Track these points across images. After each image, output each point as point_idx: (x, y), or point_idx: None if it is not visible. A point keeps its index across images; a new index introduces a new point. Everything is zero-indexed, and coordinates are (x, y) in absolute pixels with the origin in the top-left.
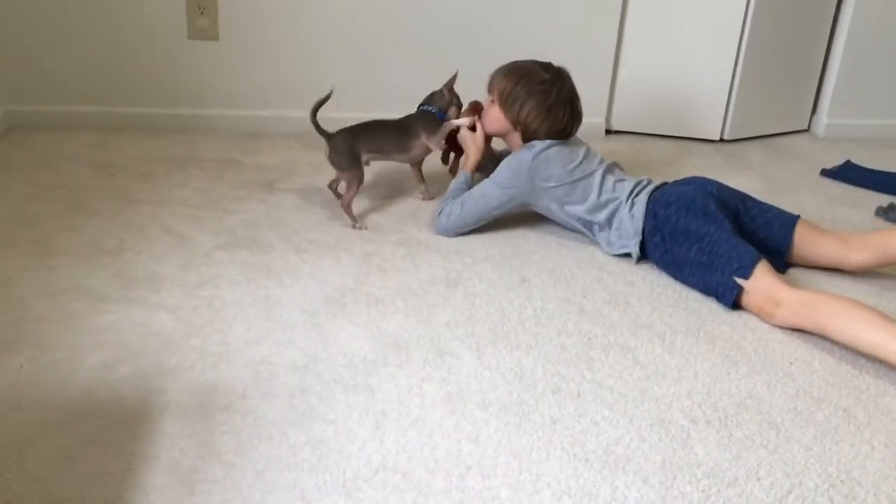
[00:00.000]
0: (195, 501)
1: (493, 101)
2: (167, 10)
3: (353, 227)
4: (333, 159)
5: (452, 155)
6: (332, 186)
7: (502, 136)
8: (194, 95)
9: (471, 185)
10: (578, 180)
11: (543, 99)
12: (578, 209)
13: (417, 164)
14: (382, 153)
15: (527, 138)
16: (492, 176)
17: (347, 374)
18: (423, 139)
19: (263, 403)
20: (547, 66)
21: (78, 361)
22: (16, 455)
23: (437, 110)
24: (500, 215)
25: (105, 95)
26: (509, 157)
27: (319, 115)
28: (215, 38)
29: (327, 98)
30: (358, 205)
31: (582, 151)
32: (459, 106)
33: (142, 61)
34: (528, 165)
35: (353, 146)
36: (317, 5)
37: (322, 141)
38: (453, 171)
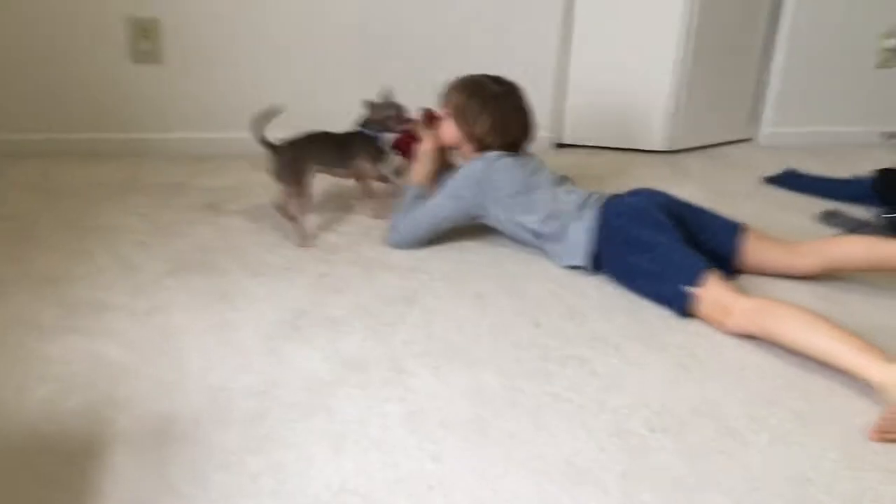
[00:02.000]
0: None
1: (447, 114)
2: (109, 35)
3: (302, 245)
4: (280, 174)
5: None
6: (281, 208)
7: (456, 148)
8: (138, 119)
9: (425, 196)
10: (528, 191)
11: (497, 112)
12: (528, 220)
13: (363, 181)
14: (325, 167)
15: (480, 150)
16: (442, 188)
17: (306, 397)
18: (365, 162)
19: (220, 431)
20: (499, 80)
21: (24, 395)
22: None
23: (374, 133)
24: (452, 226)
25: (47, 122)
26: (460, 169)
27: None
28: (159, 61)
29: (274, 113)
30: (308, 223)
31: (532, 163)
32: (400, 117)
33: (84, 86)
34: (479, 176)
35: (299, 159)
36: (260, 26)
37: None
38: (400, 175)
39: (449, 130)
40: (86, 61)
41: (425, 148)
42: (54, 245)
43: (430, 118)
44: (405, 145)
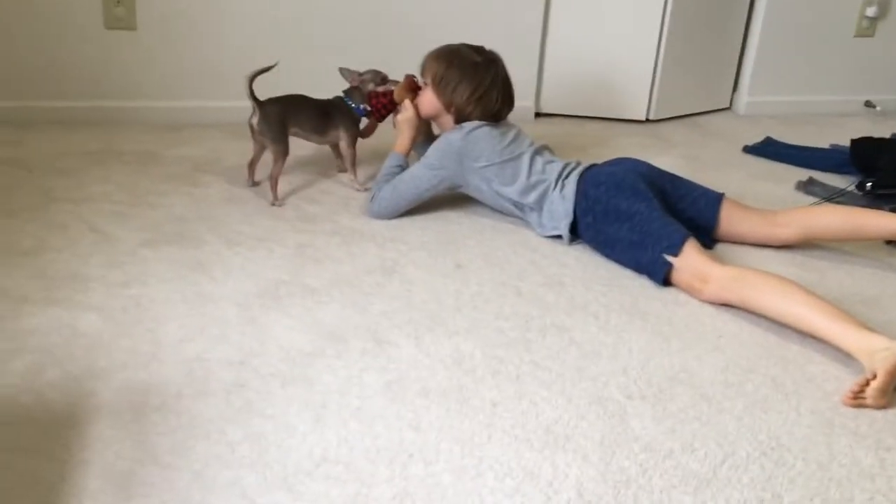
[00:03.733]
0: None
1: (426, 84)
2: (83, 0)
3: (273, 203)
4: (263, 129)
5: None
6: (252, 166)
7: (435, 118)
8: (113, 87)
9: (405, 166)
10: (507, 161)
11: (476, 82)
12: (508, 190)
13: (337, 148)
14: (303, 131)
15: (459, 121)
16: (422, 158)
17: (285, 367)
18: (341, 131)
19: (199, 401)
20: (479, 50)
21: (3, 367)
22: None
23: (357, 105)
24: (433, 197)
25: (18, 89)
26: (439, 138)
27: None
28: (133, 27)
29: (269, 68)
30: (286, 190)
31: (512, 133)
32: (384, 80)
33: (57, 53)
34: (458, 145)
35: (283, 118)
36: None
37: (238, 123)
38: (366, 133)
39: (428, 100)
40: (59, 27)
41: (406, 117)
42: (29, 217)
43: (412, 86)
44: (380, 107)
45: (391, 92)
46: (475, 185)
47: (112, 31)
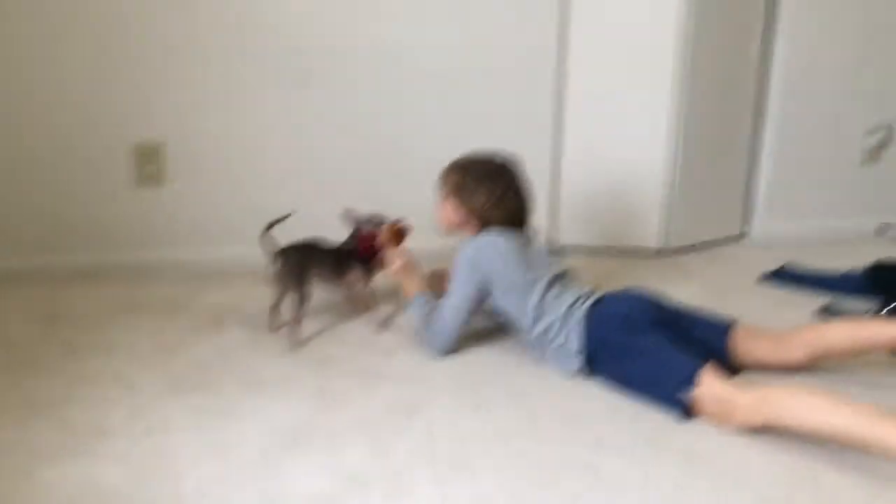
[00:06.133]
0: None
1: (446, 196)
2: (115, 161)
3: (293, 347)
4: (283, 275)
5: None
6: (274, 311)
7: (459, 228)
8: (141, 239)
9: (433, 300)
10: (520, 278)
11: (493, 185)
12: (521, 318)
13: (353, 293)
14: (322, 275)
15: (483, 227)
16: (451, 282)
17: None
18: (357, 278)
19: None
20: (493, 154)
21: None
22: None
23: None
24: (477, 309)
25: (51, 246)
26: (456, 258)
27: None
28: (162, 182)
29: (285, 218)
30: (306, 334)
31: (531, 251)
32: (378, 224)
33: (87, 210)
34: (472, 255)
35: (303, 263)
36: (261, 145)
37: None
38: (375, 271)
39: (450, 211)
40: (91, 185)
41: (396, 268)
42: (56, 369)
43: (397, 232)
44: (366, 246)
45: (376, 233)
46: (498, 293)
47: (143, 187)
